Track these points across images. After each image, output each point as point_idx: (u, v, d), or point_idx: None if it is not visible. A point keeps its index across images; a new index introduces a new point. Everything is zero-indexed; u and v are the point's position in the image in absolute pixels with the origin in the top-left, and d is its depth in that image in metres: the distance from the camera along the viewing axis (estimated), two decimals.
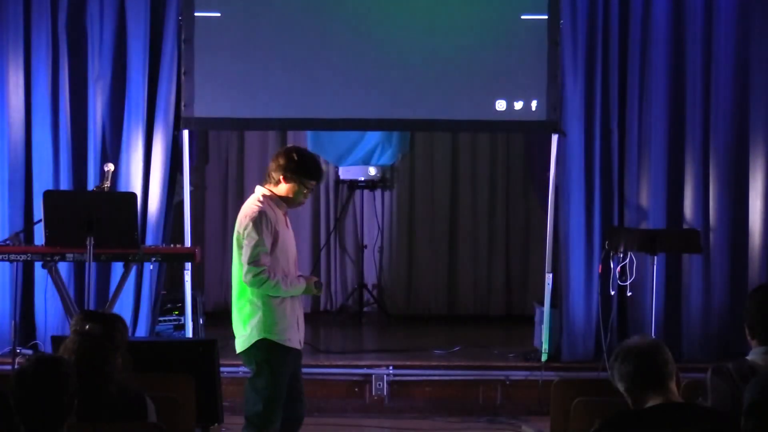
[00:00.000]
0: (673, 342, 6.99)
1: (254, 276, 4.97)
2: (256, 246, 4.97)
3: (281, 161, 5.12)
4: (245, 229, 5.01)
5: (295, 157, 5.12)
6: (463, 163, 9.70)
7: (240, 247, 5.03)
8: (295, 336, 5.17)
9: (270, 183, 5.15)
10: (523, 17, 7.29)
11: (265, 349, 5.07)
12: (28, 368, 3.20)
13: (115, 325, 3.94)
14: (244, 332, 5.11)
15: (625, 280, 7.13)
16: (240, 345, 5.15)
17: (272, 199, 5.12)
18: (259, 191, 5.16)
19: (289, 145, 5.20)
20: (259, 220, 4.99)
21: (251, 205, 5.08)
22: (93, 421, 3.64)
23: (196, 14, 7.20)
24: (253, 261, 4.97)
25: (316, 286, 5.25)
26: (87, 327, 3.85)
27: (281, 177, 5.12)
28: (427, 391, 7.20)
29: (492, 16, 7.31)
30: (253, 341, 5.08)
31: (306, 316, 9.32)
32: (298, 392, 5.25)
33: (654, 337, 3.38)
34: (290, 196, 5.14)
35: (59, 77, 7.34)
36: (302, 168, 5.13)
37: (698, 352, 7.39)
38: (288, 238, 5.17)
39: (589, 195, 7.45)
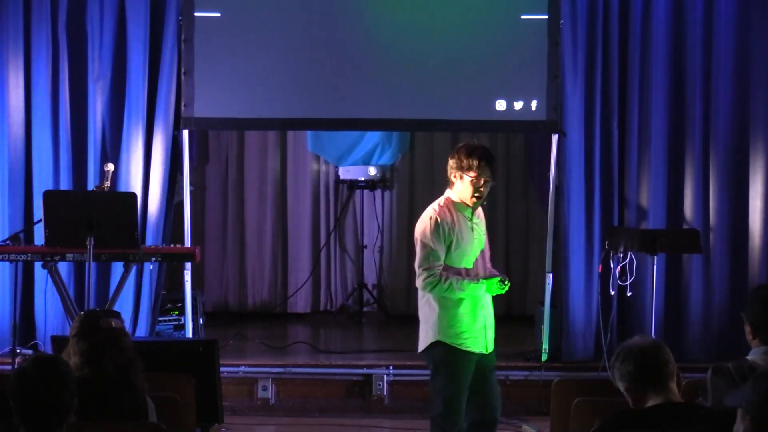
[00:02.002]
0: (673, 342, 6.98)
1: (424, 280, 5.07)
2: (425, 250, 5.06)
3: (449, 162, 5.20)
4: (420, 234, 5.13)
5: (455, 154, 5.16)
6: None
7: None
8: (475, 339, 5.16)
9: (449, 187, 5.21)
10: (523, 17, 7.29)
11: (440, 352, 5.12)
12: (27, 368, 3.20)
13: (122, 319, 3.99)
14: (423, 333, 5.19)
15: (625, 280, 7.12)
16: (420, 345, 5.22)
17: (450, 203, 5.16)
18: (442, 198, 5.21)
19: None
20: (431, 226, 5.07)
21: (427, 210, 5.19)
22: (100, 419, 3.65)
23: (196, 14, 7.20)
24: (423, 265, 5.07)
25: (501, 284, 5.16)
26: (113, 323, 3.86)
27: (451, 178, 5.18)
28: (427, 391, 7.17)
29: (492, 16, 7.31)
30: (430, 342, 5.15)
31: (306, 315, 9.52)
32: (485, 395, 5.22)
33: (654, 337, 3.37)
34: (463, 195, 5.14)
35: (59, 77, 7.34)
36: (459, 162, 5.13)
37: (698, 352, 7.39)
38: (470, 240, 5.15)
39: (589, 195, 7.45)
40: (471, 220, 5.17)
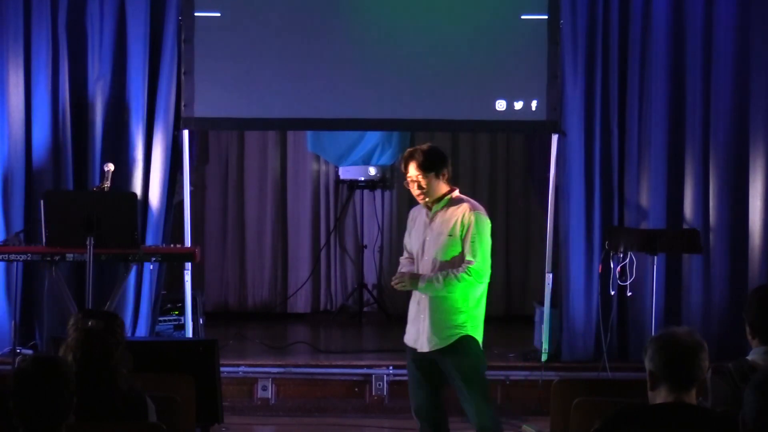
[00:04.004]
0: None
1: None
2: None
3: None
4: None
5: None
6: (463, 163, 9.69)
7: None
8: (409, 332, 5.32)
9: None
10: (523, 17, 7.29)
11: None
12: (26, 368, 3.19)
13: (115, 321, 3.96)
14: None
15: (625, 280, 7.12)
16: None
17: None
18: None
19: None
20: None
21: None
22: (98, 420, 3.65)
23: (196, 14, 7.20)
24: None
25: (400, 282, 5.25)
26: (90, 324, 3.86)
27: None
28: None
29: (492, 16, 7.31)
30: None
31: (306, 315, 9.52)
32: (438, 407, 5.31)
33: (698, 337, 3.29)
34: None
35: (59, 77, 7.34)
36: None
37: None
38: (418, 235, 5.25)
39: (589, 195, 7.45)
40: (430, 217, 5.20)
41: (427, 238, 5.19)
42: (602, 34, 7.42)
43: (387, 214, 9.65)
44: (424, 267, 5.17)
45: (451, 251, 5.10)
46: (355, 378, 7.16)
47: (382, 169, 9.43)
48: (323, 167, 9.70)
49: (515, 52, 7.30)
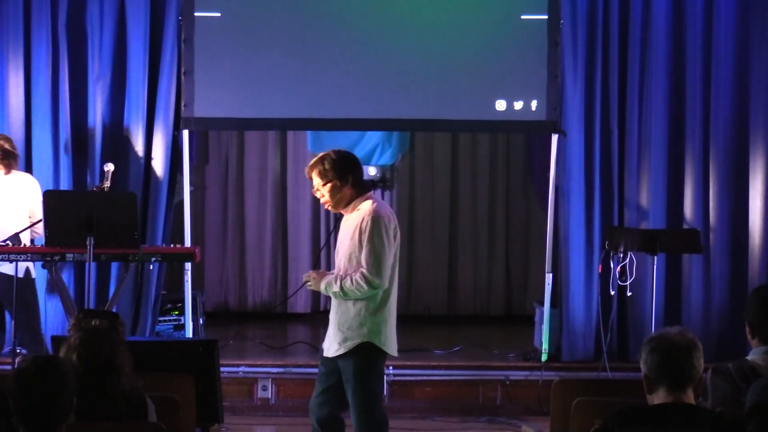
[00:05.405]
0: None
1: None
2: None
3: None
4: None
5: None
6: (463, 163, 9.70)
7: None
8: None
9: None
10: (523, 17, 7.29)
11: None
12: (26, 368, 3.19)
13: (117, 320, 3.97)
14: None
15: (625, 280, 7.13)
16: None
17: None
18: None
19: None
20: None
21: None
22: (98, 420, 3.65)
23: (196, 14, 7.20)
24: None
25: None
26: (93, 323, 3.86)
27: None
28: (427, 391, 7.20)
29: (492, 16, 7.31)
30: None
31: (306, 315, 9.52)
32: (332, 408, 5.21)
33: (691, 336, 3.28)
34: None
35: (59, 77, 7.34)
36: None
37: None
38: (338, 239, 5.20)
39: (589, 195, 7.45)
40: (342, 223, 5.18)
41: (338, 244, 5.19)
42: (602, 34, 7.42)
43: None
44: (336, 270, 5.15)
45: (353, 256, 5.03)
46: None
47: (382, 169, 9.43)
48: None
49: (515, 52, 7.30)
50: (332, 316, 5.15)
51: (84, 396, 3.36)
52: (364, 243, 4.97)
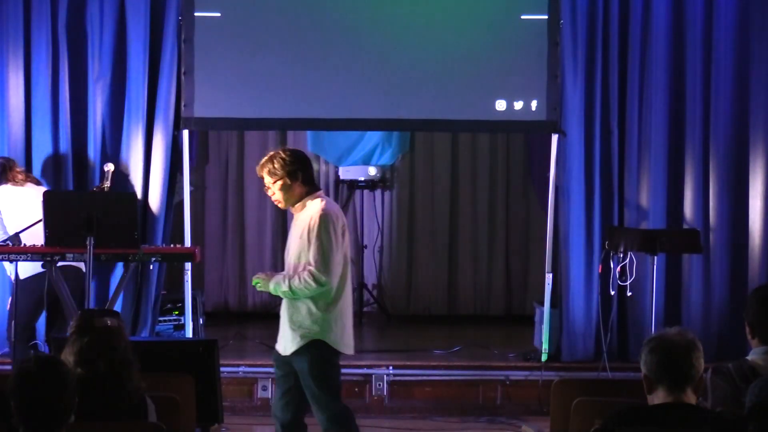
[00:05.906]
0: None
1: None
2: None
3: None
4: None
5: None
6: (463, 163, 9.70)
7: None
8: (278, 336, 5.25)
9: None
10: (523, 17, 7.29)
11: None
12: (27, 369, 3.19)
13: (120, 320, 3.99)
14: None
15: (625, 280, 7.13)
16: None
17: None
18: None
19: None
20: None
21: None
22: (99, 419, 3.65)
23: (196, 14, 7.20)
24: None
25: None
26: (108, 322, 3.86)
27: None
28: (427, 391, 7.20)
29: (492, 16, 7.31)
30: None
31: None
32: (292, 408, 5.23)
33: (691, 336, 3.28)
34: None
35: (59, 77, 7.34)
36: None
37: None
38: (289, 237, 5.27)
39: (589, 195, 7.45)
40: (293, 221, 5.24)
41: (288, 243, 5.23)
42: (602, 34, 7.42)
43: (387, 214, 9.65)
44: (286, 270, 5.16)
45: (303, 254, 5.07)
46: (354, 378, 7.14)
47: (382, 169, 9.43)
48: (323, 167, 9.70)
49: (515, 52, 7.30)
50: (283, 315, 5.17)
51: (90, 396, 3.36)
52: (312, 240, 5.02)
